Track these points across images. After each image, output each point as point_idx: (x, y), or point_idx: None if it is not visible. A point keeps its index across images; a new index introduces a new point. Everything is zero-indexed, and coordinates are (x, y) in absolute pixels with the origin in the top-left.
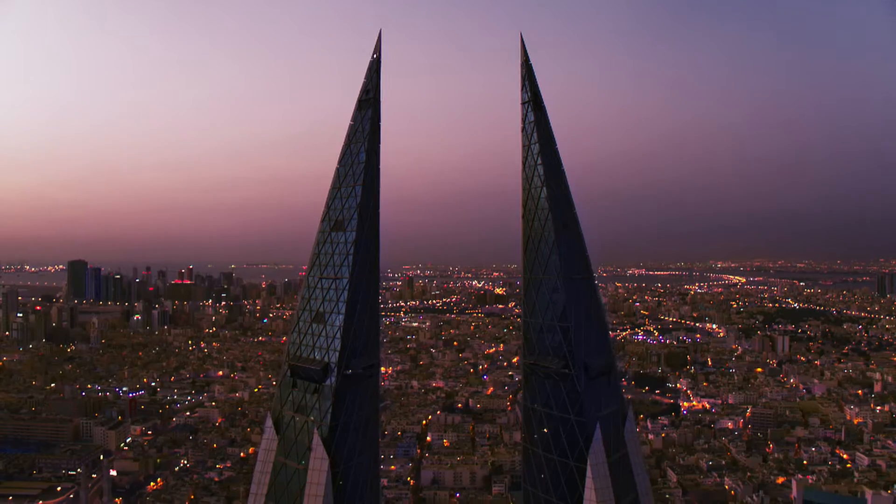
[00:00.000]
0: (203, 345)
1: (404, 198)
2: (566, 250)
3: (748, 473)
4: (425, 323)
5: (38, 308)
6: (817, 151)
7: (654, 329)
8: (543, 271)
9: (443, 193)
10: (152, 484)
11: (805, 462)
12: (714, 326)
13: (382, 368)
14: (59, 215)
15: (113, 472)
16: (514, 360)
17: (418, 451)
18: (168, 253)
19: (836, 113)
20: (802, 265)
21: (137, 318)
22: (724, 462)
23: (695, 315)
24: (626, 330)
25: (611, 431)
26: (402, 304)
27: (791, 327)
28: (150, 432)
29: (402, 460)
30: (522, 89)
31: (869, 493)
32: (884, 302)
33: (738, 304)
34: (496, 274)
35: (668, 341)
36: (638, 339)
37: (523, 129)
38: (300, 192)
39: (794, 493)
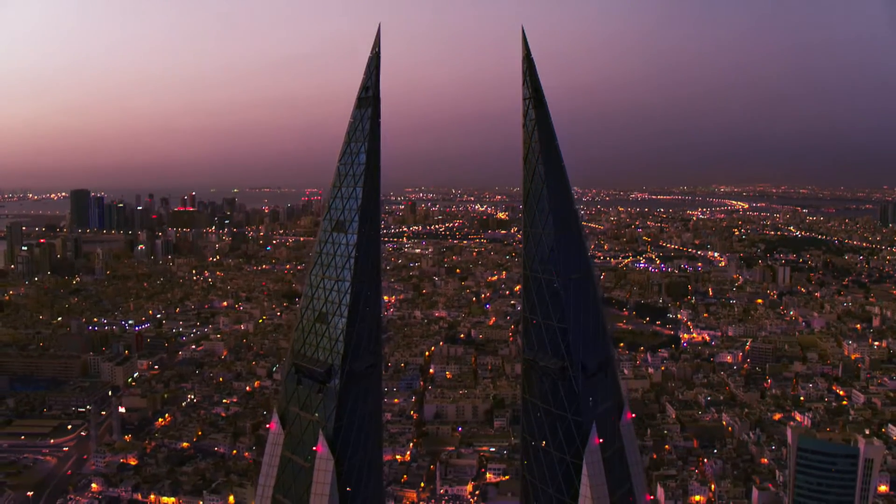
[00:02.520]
0: (207, 274)
1: (406, 118)
2: (565, 249)
3: (745, 410)
4: (428, 249)
5: (42, 241)
6: (824, 76)
7: (655, 257)
8: (543, 270)
9: (444, 114)
10: (160, 420)
11: (802, 398)
12: (716, 255)
13: (385, 297)
14: (61, 142)
15: (122, 409)
16: (516, 288)
17: (421, 383)
18: (170, 178)
19: (841, 37)
20: (805, 191)
21: (141, 247)
22: (722, 397)
23: (696, 242)
24: (627, 257)
25: (607, 427)
26: (405, 229)
27: (792, 256)
28: (156, 367)
29: (405, 393)
30: (524, 85)
31: (862, 442)
32: (886, 231)
33: (740, 231)
34: (498, 197)
35: (669, 270)
36: (640, 266)
37: (524, 125)
38: (301, 115)
39: (790, 438)
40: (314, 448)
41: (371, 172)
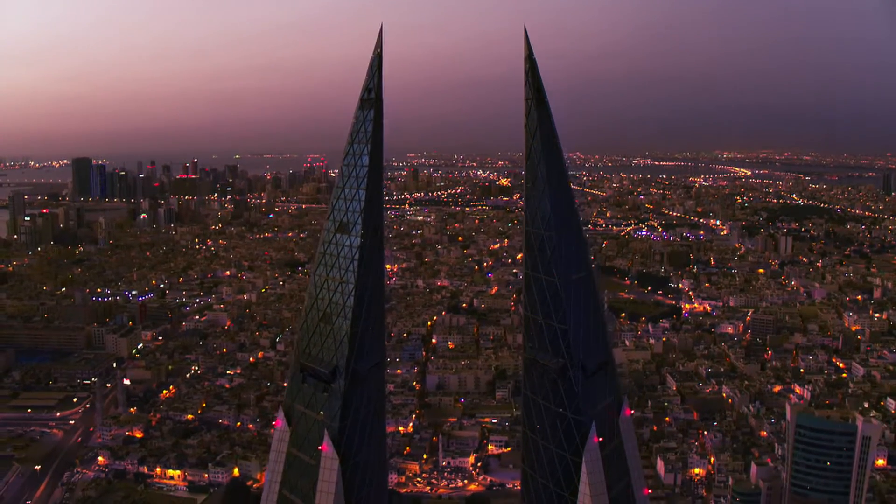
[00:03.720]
0: (210, 243)
1: (408, 83)
2: (566, 250)
3: (746, 382)
4: (430, 216)
5: (44, 210)
6: (828, 43)
7: (657, 224)
8: (544, 271)
9: (446, 79)
10: (165, 392)
11: (802, 371)
12: (718, 223)
13: (388, 266)
14: (62, 109)
15: (126, 381)
16: (518, 256)
17: (423, 353)
18: (172, 144)
19: (844, 5)
20: (808, 158)
21: (144, 216)
22: (722, 369)
23: (699, 210)
24: (630, 225)
25: (606, 424)
26: (407, 195)
27: (794, 225)
28: (160, 338)
29: (407, 364)
30: (526, 85)
31: (860, 419)
32: (888, 200)
33: (742, 199)
34: (501, 163)
35: (671, 238)
36: (642, 234)
37: (526, 125)
38: (302, 80)
39: (789, 415)
40: (319, 446)
41: (374, 174)
